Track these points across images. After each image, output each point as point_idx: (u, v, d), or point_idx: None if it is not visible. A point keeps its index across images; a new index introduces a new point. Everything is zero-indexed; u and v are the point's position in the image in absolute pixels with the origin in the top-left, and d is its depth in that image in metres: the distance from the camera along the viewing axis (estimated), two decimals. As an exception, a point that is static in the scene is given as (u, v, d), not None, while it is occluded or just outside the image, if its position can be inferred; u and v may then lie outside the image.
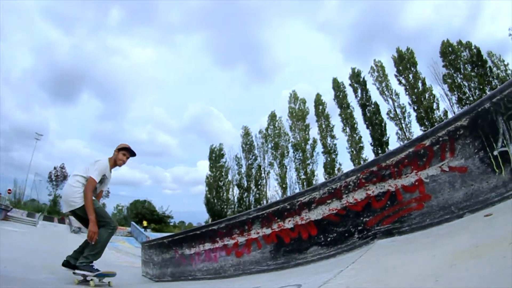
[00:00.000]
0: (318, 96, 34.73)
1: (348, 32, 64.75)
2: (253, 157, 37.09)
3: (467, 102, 28.63)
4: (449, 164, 2.41)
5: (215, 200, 37.15)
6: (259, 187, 36.43)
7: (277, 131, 35.90)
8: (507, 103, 2.41)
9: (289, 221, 3.14)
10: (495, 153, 2.34)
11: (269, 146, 36.17)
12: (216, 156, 38.53)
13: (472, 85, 28.79)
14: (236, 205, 37.34)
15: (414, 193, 2.51)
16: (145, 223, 34.49)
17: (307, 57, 71.75)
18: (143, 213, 40.64)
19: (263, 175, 36.45)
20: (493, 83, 28.26)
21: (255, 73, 67.30)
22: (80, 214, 3.27)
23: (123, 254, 13.49)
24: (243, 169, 37.49)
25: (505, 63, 28.47)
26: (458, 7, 50.99)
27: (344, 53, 64.56)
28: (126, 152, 3.72)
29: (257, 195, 36.43)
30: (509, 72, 28.53)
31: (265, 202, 36.31)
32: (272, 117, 36.58)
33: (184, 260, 4.29)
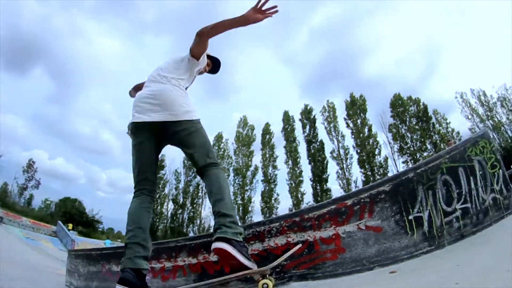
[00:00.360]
0: (267, 126, 34.87)
1: (310, 69, 65.49)
2: (193, 174, 35.41)
3: (407, 151, 29.93)
4: (366, 224, 2.68)
5: (148, 212, 34.91)
6: (195, 205, 34.80)
7: (221, 153, 34.80)
8: (430, 175, 2.89)
9: (214, 254, 3.05)
10: (410, 217, 2.68)
11: (215, 166, 34.68)
12: (156, 167, 36.39)
13: (415, 137, 30.70)
14: (169, 221, 35.46)
15: (330, 245, 2.71)
16: (70, 226, 31.43)
17: (266, 85, 70.98)
18: (72, 213, 37.24)
19: (200, 194, 34.83)
20: (434, 138, 29.74)
21: (212, 89, 65.09)
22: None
23: (46, 256, 11.73)
24: (181, 185, 35.82)
25: (447, 121, 31.56)
26: (416, 65, 57.16)
27: (302, 88, 64.53)
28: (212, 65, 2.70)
29: (192, 213, 34.81)
30: (449, 129, 30.18)
31: (198, 221, 34.92)
32: (218, 138, 35.62)
33: (111, 275, 4.10)
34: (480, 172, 3.30)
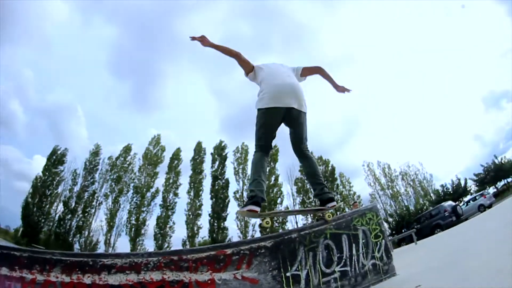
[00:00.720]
0: (178, 151, 33.01)
1: (236, 108, 61.96)
2: (92, 179, 32.42)
3: (308, 205, 29.95)
4: (243, 274, 2.76)
5: (35, 208, 31.50)
6: (86, 214, 32.14)
7: (125, 165, 31.90)
8: (313, 238, 3.10)
9: (88, 277, 3.06)
10: (288, 274, 2.81)
11: (113, 176, 31.92)
12: (56, 160, 32.76)
13: None
14: (56, 224, 32.42)
15: None
16: None
17: (190, 110, 67.08)
18: None
19: (94, 203, 32.18)
20: (336, 198, 29.50)
21: (138, 98, 59.30)
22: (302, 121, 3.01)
23: None
24: (77, 188, 32.56)
25: (351, 184, 33.51)
26: (334, 132, 58.87)
27: (222, 123, 61.33)
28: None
29: (82, 222, 32.12)
30: (352, 192, 31.18)
31: (87, 233, 32.57)
32: (127, 149, 32.83)
33: (-1, 282, 3.48)
34: (363, 240, 3.55)
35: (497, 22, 53.55)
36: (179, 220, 38.94)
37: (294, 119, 2.90)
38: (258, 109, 2.85)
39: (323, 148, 60.74)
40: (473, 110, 56.89)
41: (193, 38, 2.91)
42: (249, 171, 34.06)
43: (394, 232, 29.68)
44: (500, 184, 32.59)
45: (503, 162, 31.77)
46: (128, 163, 32.47)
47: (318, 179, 3.03)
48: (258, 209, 2.67)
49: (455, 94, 58.50)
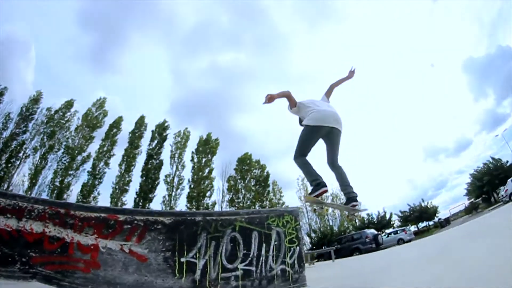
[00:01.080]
0: (119, 119, 31.64)
1: (189, 92, 62.16)
2: (24, 128, 30.40)
3: (236, 205, 30.39)
4: (131, 248, 2.50)
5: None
6: (9, 165, 30.33)
7: (63, 121, 30.41)
8: (219, 226, 2.90)
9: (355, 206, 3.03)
10: (183, 259, 2.58)
11: (47, 130, 30.43)
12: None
13: (248, 195, 30.24)
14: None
15: (86, 254, 2.45)
16: None
17: (144, 84, 64.24)
18: None
19: (21, 155, 30.51)
20: (264, 203, 30.86)
21: (96, 56, 58.74)
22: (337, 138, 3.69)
23: None
24: (6, 133, 30.55)
25: (281, 194, 34.47)
26: (279, 141, 57.97)
27: (172, 105, 59.59)
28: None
29: (3, 172, 30.38)
30: (281, 201, 31.53)
31: (7, 185, 30.78)
32: (68, 104, 31.16)
33: None
34: (276, 242, 3.39)
35: (458, 90, 58.97)
36: (104, 192, 36.50)
37: (334, 137, 3.56)
38: (307, 125, 3.56)
39: (264, 153, 61.68)
40: (413, 156, 64.11)
41: (266, 102, 3.43)
42: (185, 158, 31.07)
43: (314, 247, 30.57)
44: (421, 224, 34.48)
45: (428, 206, 33.77)
46: (66, 119, 30.42)
47: (347, 183, 3.49)
48: (327, 189, 3.28)
49: (402, 137, 64.86)
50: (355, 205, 3.46)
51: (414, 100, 65.66)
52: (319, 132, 3.54)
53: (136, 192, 29.44)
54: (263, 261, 3.15)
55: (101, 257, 2.43)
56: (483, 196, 32.50)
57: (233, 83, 65.78)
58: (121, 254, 2.47)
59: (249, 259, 3.03)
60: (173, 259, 2.52)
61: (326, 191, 3.31)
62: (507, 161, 31.10)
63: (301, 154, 3.58)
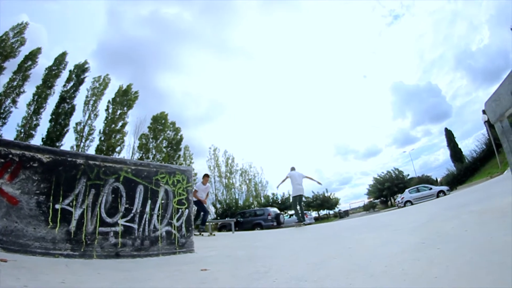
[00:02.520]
0: (37, 51, 26.55)
1: (122, 37, 56.04)
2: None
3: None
4: (2, 187, 2.15)
5: None
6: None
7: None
8: (102, 174, 2.58)
9: None
10: (58, 206, 2.26)
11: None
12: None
13: (158, 156, 31.06)
14: None
15: None
16: None
17: (75, 18, 53.13)
18: None
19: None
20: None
21: None
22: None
23: None
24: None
25: (192, 160, 33.79)
26: (199, 107, 59.41)
27: (100, 47, 52.97)
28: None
29: None
30: (191, 167, 31.48)
31: None
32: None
33: None
34: (163, 201, 3.17)
35: (382, 105, 67.93)
36: (7, 134, 33.79)
37: (301, 198, 9.31)
38: (292, 196, 9.39)
39: (182, 117, 60.03)
40: (325, 151, 73.07)
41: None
42: (100, 107, 28.86)
43: (218, 217, 31.82)
44: (322, 212, 37.71)
45: (331, 197, 36.76)
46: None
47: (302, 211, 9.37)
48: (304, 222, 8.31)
49: (317, 130, 72.47)
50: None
51: (340, 100, 72.28)
52: (296, 198, 8.96)
53: (42, 139, 26.17)
54: (147, 219, 2.89)
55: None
56: (382, 198, 37.05)
57: (169, 39, 62.46)
58: (-10, 194, 1.97)
59: (131, 215, 2.75)
60: (47, 205, 2.21)
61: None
62: (408, 175, 36.57)
63: (294, 204, 9.22)
